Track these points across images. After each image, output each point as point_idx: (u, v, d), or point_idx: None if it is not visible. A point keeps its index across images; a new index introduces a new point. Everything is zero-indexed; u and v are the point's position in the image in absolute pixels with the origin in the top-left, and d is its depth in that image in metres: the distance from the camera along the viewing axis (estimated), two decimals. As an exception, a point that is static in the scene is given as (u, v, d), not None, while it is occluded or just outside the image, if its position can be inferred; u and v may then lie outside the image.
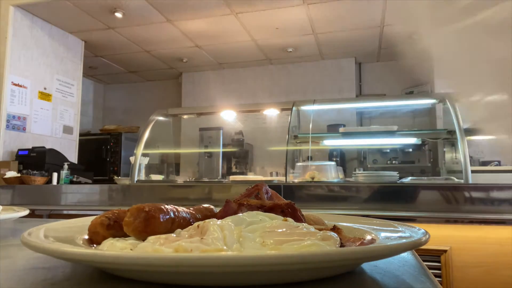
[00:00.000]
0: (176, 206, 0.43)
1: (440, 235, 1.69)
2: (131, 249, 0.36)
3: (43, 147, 3.52)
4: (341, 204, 1.98)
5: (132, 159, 2.78)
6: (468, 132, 2.41)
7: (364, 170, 3.92)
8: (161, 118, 3.04)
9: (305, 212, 0.48)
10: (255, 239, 0.36)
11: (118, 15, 3.81)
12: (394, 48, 4.67)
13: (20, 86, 3.69)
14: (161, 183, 2.93)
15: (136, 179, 2.67)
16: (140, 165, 2.77)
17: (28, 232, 0.38)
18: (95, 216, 0.42)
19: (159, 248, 0.33)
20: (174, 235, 0.38)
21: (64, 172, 3.14)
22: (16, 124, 3.64)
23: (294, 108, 2.88)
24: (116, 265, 0.30)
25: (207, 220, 0.38)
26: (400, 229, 0.45)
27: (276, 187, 2.10)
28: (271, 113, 3.55)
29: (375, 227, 0.49)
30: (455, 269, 1.66)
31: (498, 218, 1.66)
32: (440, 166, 3.97)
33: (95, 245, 0.41)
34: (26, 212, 0.69)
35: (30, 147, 3.50)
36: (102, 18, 3.93)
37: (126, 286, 0.32)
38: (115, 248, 0.37)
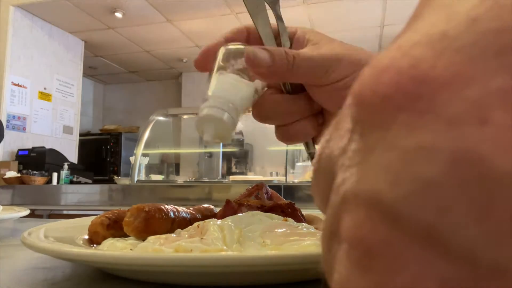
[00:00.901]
0: (176, 206, 0.43)
1: (440, 235, 1.69)
2: (131, 249, 0.36)
3: (43, 147, 3.53)
4: (341, 204, 1.98)
5: (132, 159, 2.78)
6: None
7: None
8: (161, 118, 3.04)
9: (305, 212, 0.48)
10: (255, 239, 0.36)
11: (118, 15, 3.81)
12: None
13: (20, 86, 3.69)
14: (161, 183, 2.94)
15: (136, 179, 2.67)
16: (140, 165, 2.77)
17: (28, 232, 0.38)
18: (95, 216, 0.42)
19: (159, 248, 0.33)
20: (174, 235, 0.38)
21: (64, 172, 3.14)
22: (16, 124, 3.64)
23: (294, 108, 2.88)
24: (116, 265, 0.30)
25: (207, 220, 0.38)
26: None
27: (276, 187, 2.10)
28: (271, 113, 3.55)
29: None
30: (455, 269, 1.66)
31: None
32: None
33: (95, 245, 0.41)
34: (27, 212, 0.69)
35: (30, 147, 3.50)
36: (102, 18, 3.93)
37: (126, 286, 0.32)
38: (115, 248, 0.37)
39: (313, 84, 0.37)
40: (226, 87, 0.34)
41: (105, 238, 0.40)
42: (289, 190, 2.10)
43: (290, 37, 0.39)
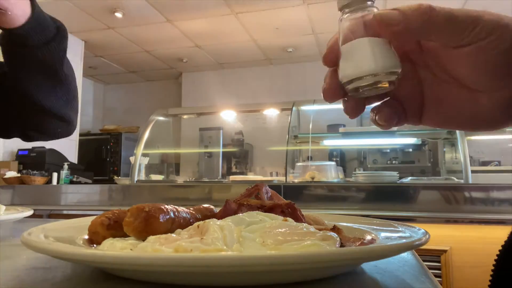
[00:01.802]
0: (176, 206, 0.43)
1: (440, 235, 1.69)
2: (131, 249, 0.36)
3: (43, 147, 3.52)
4: (341, 204, 1.98)
5: (132, 159, 2.78)
6: (468, 132, 2.41)
7: (364, 170, 3.92)
8: (161, 118, 3.04)
9: (305, 212, 0.48)
10: (255, 239, 0.36)
11: (118, 15, 3.81)
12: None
13: (20, 86, 3.68)
14: (161, 183, 2.94)
15: (136, 179, 2.67)
16: (140, 165, 2.77)
17: (28, 232, 0.38)
18: (95, 216, 0.42)
19: (159, 248, 0.33)
20: (174, 235, 0.38)
21: (64, 172, 3.14)
22: (16, 124, 3.64)
23: (294, 108, 2.88)
24: (116, 265, 0.30)
25: (207, 220, 0.38)
26: (400, 229, 0.45)
27: (276, 187, 2.10)
28: (271, 113, 3.55)
29: (375, 227, 0.49)
30: (455, 269, 1.66)
31: (498, 218, 1.66)
32: (440, 166, 3.98)
33: (95, 245, 0.41)
34: (31, 212, 0.69)
35: (30, 147, 3.50)
36: (102, 18, 3.93)
37: (126, 286, 0.32)
38: (115, 248, 0.37)
39: (451, 45, 0.32)
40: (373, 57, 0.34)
41: (105, 238, 0.40)
42: (289, 190, 2.10)
43: None
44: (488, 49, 0.31)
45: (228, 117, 4.15)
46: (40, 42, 0.76)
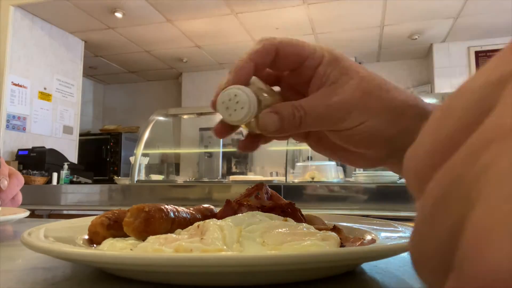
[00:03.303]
0: (176, 206, 0.43)
1: (440, 235, 1.69)
2: (131, 249, 0.36)
3: (43, 147, 3.53)
4: (341, 204, 1.98)
5: (132, 159, 2.78)
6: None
7: (364, 170, 3.92)
8: (161, 118, 3.04)
9: (305, 212, 0.48)
10: (255, 239, 0.36)
11: (118, 15, 3.81)
12: (394, 48, 4.67)
13: (20, 86, 3.69)
14: (161, 183, 2.94)
15: (136, 179, 2.67)
16: (140, 165, 2.77)
17: (28, 232, 0.38)
18: (95, 216, 0.42)
19: (159, 248, 0.33)
20: (174, 235, 0.38)
21: (64, 172, 3.14)
22: (16, 124, 3.64)
23: (294, 108, 2.88)
24: (116, 265, 0.30)
25: (207, 220, 0.38)
26: (400, 229, 0.45)
27: (276, 187, 2.10)
28: (271, 113, 3.55)
29: (375, 227, 0.49)
30: (455, 269, 1.66)
31: (498, 218, 1.66)
32: (440, 166, 3.97)
33: (95, 245, 0.41)
34: (26, 213, 0.69)
35: (30, 147, 3.50)
36: (102, 18, 3.93)
37: (126, 286, 0.32)
38: (115, 248, 0.37)
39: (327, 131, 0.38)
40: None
41: (105, 238, 0.40)
42: (289, 190, 2.10)
43: (314, 66, 0.38)
44: (361, 132, 0.36)
45: (228, 117, 4.14)
46: None
